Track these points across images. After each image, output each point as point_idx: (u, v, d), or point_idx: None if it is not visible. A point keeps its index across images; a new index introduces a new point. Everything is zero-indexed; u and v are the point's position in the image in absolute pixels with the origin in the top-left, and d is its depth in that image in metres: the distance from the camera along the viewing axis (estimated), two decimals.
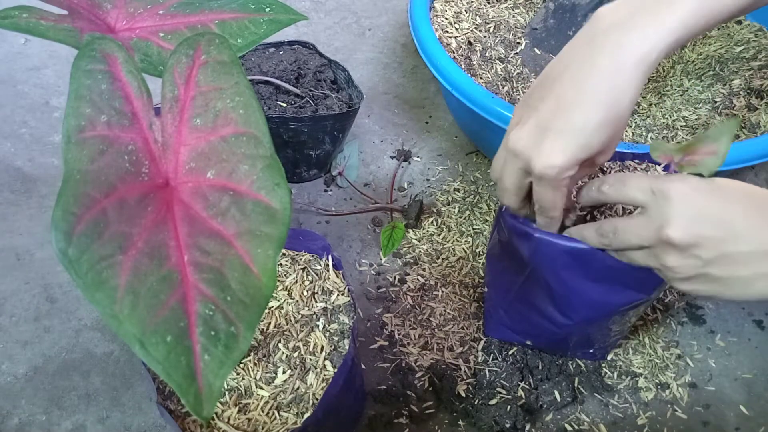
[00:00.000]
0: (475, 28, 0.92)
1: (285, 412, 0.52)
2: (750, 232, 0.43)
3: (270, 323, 0.57)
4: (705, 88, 0.86)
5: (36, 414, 0.69)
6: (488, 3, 0.97)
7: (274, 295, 0.59)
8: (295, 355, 0.55)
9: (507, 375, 0.72)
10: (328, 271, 0.61)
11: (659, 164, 0.59)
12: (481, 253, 0.84)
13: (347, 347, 0.55)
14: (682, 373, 0.74)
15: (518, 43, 0.93)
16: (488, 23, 0.94)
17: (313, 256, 0.63)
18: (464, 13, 0.94)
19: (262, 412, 0.52)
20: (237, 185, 0.37)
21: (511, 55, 0.91)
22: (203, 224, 0.36)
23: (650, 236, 0.46)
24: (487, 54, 0.90)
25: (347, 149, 0.91)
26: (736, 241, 0.43)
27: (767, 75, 0.83)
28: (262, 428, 0.51)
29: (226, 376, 0.33)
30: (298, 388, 0.53)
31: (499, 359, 0.73)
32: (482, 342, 0.75)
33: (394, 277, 0.81)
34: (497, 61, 0.89)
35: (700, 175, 0.46)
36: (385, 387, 0.71)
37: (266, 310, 0.58)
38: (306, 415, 0.52)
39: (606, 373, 0.73)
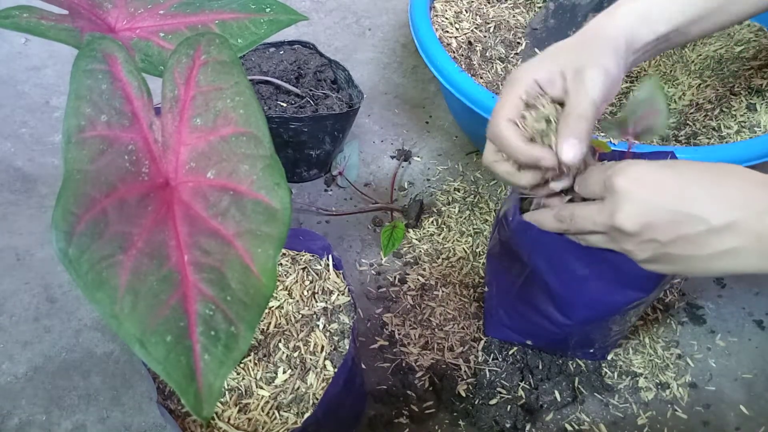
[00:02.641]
0: (476, 28, 0.92)
1: (285, 411, 0.52)
2: (705, 210, 0.43)
3: (270, 323, 0.57)
4: (705, 87, 0.86)
5: (36, 414, 0.69)
6: (488, 3, 0.97)
7: (275, 294, 0.59)
8: (296, 354, 0.55)
9: (507, 375, 0.72)
10: (328, 271, 0.61)
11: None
12: (481, 252, 0.84)
13: (347, 347, 0.55)
14: (683, 373, 0.74)
15: (518, 43, 0.93)
16: (488, 23, 0.94)
17: (313, 256, 0.63)
18: (464, 13, 0.94)
19: (263, 411, 0.52)
20: (237, 185, 0.37)
21: (512, 55, 0.91)
22: (203, 224, 0.36)
23: (604, 223, 0.47)
24: (487, 54, 0.90)
25: (347, 149, 0.91)
26: (691, 222, 0.43)
27: (767, 75, 0.83)
28: (263, 428, 0.51)
29: (226, 376, 0.33)
30: (298, 388, 0.53)
31: (499, 359, 0.73)
32: (482, 342, 0.75)
33: (395, 277, 0.81)
34: (497, 61, 0.89)
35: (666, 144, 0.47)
36: (385, 387, 0.71)
37: (266, 310, 0.58)
38: (306, 415, 0.52)
39: (606, 373, 0.73)
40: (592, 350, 0.71)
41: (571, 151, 0.47)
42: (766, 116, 0.79)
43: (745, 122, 0.79)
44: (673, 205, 0.44)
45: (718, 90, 0.85)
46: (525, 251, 0.58)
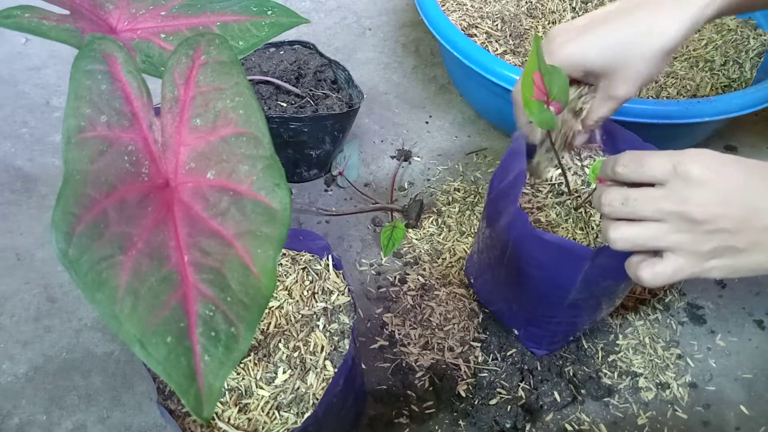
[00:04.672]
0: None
1: (285, 411, 0.52)
2: None
3: (270, 323, 0.57)
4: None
5: (36, 414, 0.69)
6: None
7: (275, 295, 0.59)
8: (296, 355, 0.55)
9: (507, 375, 0.72)
10: (328, 271, 0.61)
11: None
12: None
13: (347, 347, 0.55)
14: (683, 373, 0.74)
15: None
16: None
17: (313, 256, 0.63)
18: None
19: (263, 411, 0.52)
20: (237, 185, 0.37)
21: None
22: (203, 224, 0.36)
23: (669, 209, 0.45)
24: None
25: (347, 149, 0.91)
26: (759, 215, 0.44)
27: None
28: (263, 428, 0.52)
29: (226, 376, 0.33)
30: (298, 388, 0.53)
31: (499, 359, 0.73)
32: (482, 342, 0.75)
33: (395, 277, 0.81)
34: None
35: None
36: (385, 387, 0.71)
37: (266, 310, 0.58)
38: (306, 415, 0.52)
39: (606, 373, 0.73)
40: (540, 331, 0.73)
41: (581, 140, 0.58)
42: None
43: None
44: (744, 197, 0.44)
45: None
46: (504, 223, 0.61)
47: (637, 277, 0.48)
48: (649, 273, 0.47)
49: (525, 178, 0.60)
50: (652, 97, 0.91)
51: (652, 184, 0.47)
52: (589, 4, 1.01)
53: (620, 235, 0.47)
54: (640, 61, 0.55)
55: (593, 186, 0.64)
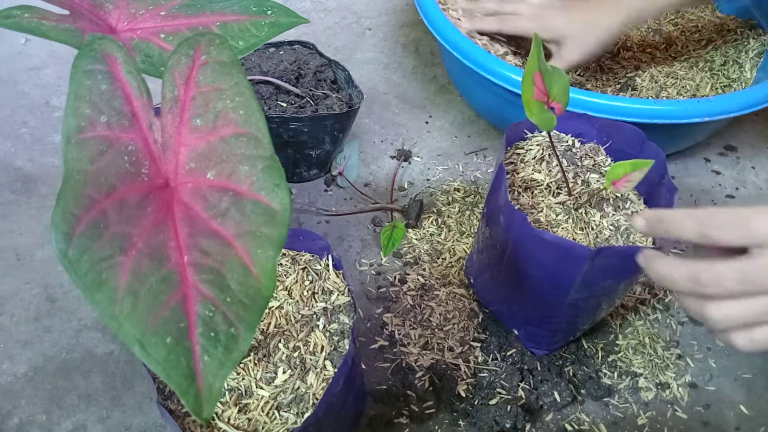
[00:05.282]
0: None
1: (285, 411, 0.52)
2: None
3: (270, 323, 0.57)
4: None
5: (36, 414, 0.69)
6: None
7: (275, 295, 0.59)
8: (296, 355, 0.55)
9: (507, 375, 0.72)
10: (328, 271, 0.61)
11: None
12: None
13: (347, 347, 0.55)
14: (683, 373, 0.74)
15: None
16: None
17: (313, 256, 0.63)
18: None
19: (263, 411, 0.52)
20: (237, 186, 0.37)
21: None
22: (203, 225, 0.36)
23: (753, 281, 0.40)
24: None
25: (347, 149, 0.91)
26: None
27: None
28: (263, 428, 0.52)
29: (225, 377, 0.33)
30: (298, 388, 0.53)
31: (499, 359, 0.73)
32: (482, 342, 0.75)
33: (394, 277, 0.81)
34: None
35: None
36: (385, 387, 0.71)
37: (266, 310, 0.58)
38: (306, 415, 0.52)
39: (606, 373, 0.73)
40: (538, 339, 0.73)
41: None
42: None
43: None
44: None
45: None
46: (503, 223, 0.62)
47: (731, 340, 0.42)
48: (746, 339, 0.42)
49: (506, 172, 0.61)
50: (651, 97, 0.92)
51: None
52: None
53: (726, 313, 0.42)
54: (588, 39, 0.83)
55: (593, 186, 0.64)
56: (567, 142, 0.69)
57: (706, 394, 0.72)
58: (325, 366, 0.55)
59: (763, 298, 0.40)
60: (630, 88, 0.94)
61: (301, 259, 0.62)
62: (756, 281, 0.40)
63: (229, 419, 0.52)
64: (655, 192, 0.65)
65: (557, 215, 0.63)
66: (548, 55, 0.87)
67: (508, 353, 0.73)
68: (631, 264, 0.55)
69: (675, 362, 0.74)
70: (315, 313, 0.58)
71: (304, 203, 0.90)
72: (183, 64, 0.41)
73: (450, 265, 0.82)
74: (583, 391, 0.71)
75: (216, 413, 0.52)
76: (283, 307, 0.58)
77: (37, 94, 1.04)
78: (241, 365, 0.55)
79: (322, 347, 0.56)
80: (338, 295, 0.59)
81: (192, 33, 0.48)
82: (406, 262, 0.83)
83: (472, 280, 0.78)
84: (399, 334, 0.75)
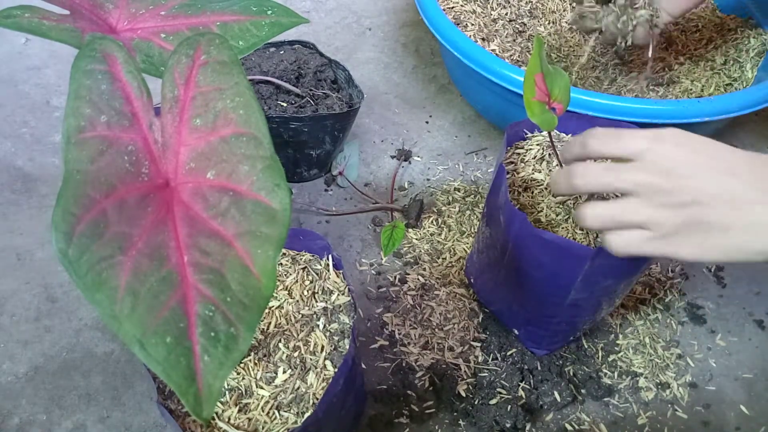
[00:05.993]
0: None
1: (285, 411, 0.52)
2: (750, 179, 0.45)
3: (270, 323, 0.57)
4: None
5: (36, 413, 0.69)
6: None
7: (275, 294, 0.59)
8: (296, 354, 0.55)
9: (507, 375, 0.72)
10: (328, 270, 0.61)
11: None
12: None
13: (347, 347, 0.55)
14: (683, 373, 0.74)
15: None
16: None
17: (313, 255, 0.63)
18: None
19: (263, 411, 0.52)
20: (237, 186, 0.37)
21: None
22: (203, 225, 0.36)
23: (644, 181, 0.47)
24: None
25: (347, 149, 0.91)
26: (729, 192, 0.45)
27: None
28: (263, 428, 0.52)
29: (225, 377, 0.33)
30: (298, 388, 0.53)
31: (499, 359, 0.73)
32: (482, 342, 0.75)
33: (395, 277, 0.81)
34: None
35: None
36: (385, 387, 0.71)
37: (266, 310, 0.58)
38: (306, 415, 0.52)
39: (606, 373, 0.73)
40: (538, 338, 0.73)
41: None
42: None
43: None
44: (717, 174, 0.45)
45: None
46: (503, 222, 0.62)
47: (606, 241, 0.50)
48: (619, 240, 0.49)
49: (506, 172, 0.62)
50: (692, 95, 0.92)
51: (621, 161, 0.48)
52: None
53: (595, 212, 0.49)
54: None
55: None
56: (567, 141, 0.69)
57: (706, 394, 0.72)
58: (325, 366, 0.55)
59: (626, 200, 0.48)
60: (666, 85, 0.94)
61: (301, 259, 0.62)
62: (617, 175, 0.48)
63: (229, 419, 0.52)
64: None
65: (557, 215, 0.63)
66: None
67: (509, 353, 0.73)
68: (631, 264, 0.55)
69: (675, 362, 0.74)
70: (315, 312, 0.58)
71: (305, 203, 0.90)
72: (183, 63, 0.41)
73: (450, 264, 0.82)
74: (583, 391, 0.71)
75: (216, 413, 0.52)
76: (283, 307, 0.58)
77: (38, 94, 1.04)
78: (242, 365, 0.55)
79: (323, 347, 0.56)
80: (338, 294, 0.59)
81: (192, 33, 0.48)
82: (407, 261, 0.83)
83: (472, 280, 0.78)
84: (399, 334, 0.75)
